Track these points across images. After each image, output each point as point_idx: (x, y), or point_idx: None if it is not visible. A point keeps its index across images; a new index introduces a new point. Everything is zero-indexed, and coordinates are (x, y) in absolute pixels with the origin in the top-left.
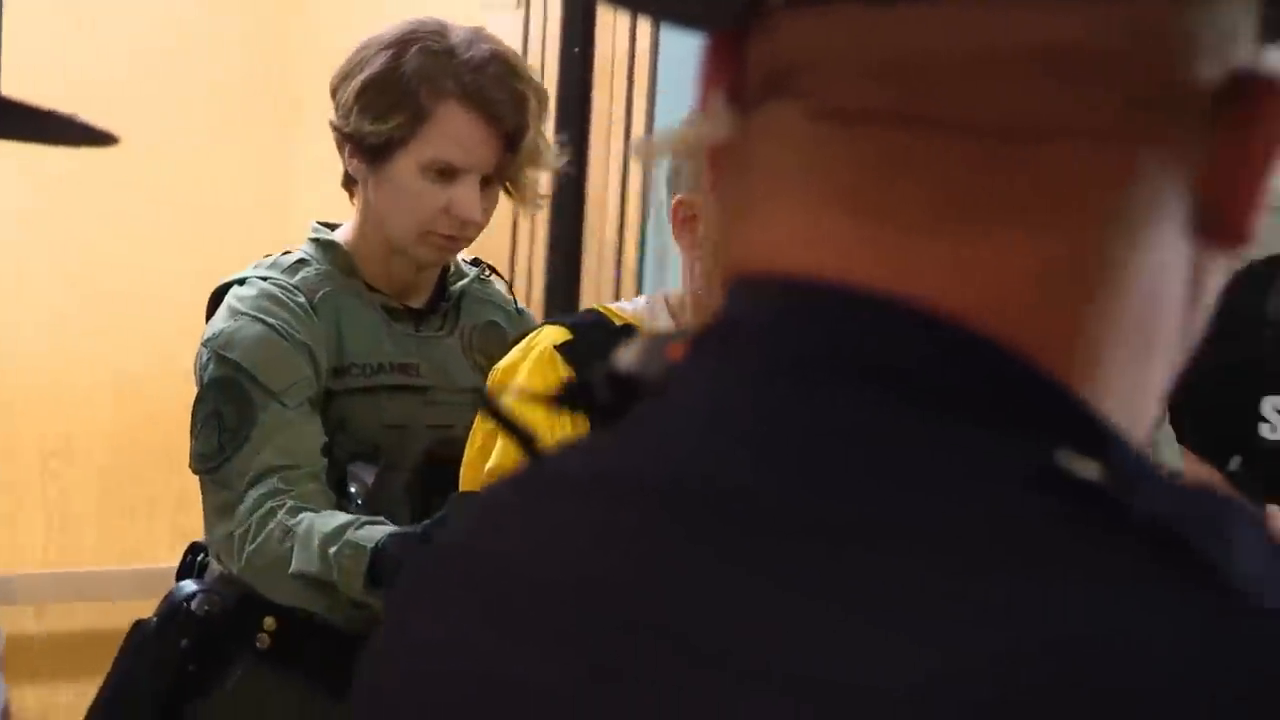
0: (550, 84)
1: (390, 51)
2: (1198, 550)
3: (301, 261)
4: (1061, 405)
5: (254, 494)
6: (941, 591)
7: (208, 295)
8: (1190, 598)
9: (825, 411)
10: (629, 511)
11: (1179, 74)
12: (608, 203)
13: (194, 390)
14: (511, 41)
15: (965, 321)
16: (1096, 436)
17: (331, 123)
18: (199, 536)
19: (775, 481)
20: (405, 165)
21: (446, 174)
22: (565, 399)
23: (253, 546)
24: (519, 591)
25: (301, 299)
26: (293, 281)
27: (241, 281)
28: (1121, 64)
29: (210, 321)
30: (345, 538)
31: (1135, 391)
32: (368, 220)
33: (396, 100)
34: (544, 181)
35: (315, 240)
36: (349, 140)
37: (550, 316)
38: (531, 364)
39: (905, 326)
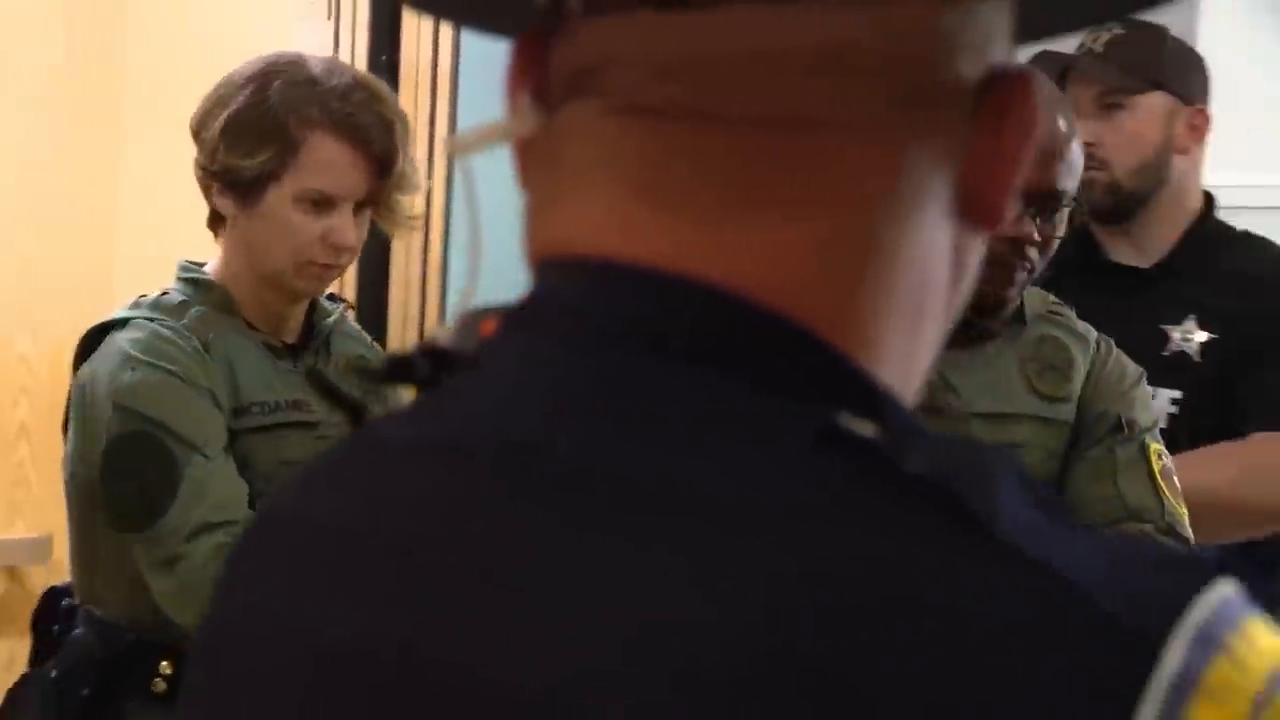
0: None
1: (252, 86)
2: (965, 502)
3: (184, 303)
4: (841, 372)
5: (202, 547)
6: (736, 538)
7: (32, 287)
8: (957, 545)
9: (624, 380)
10: (447, 472)
11: (941, 73)
12: (415, 202)
13: (28, 372)
14: (323, 51)
15: (752, 298)
16: (873, 400)
17: (197, 162)
18: (33, 510)
19: (583, 443)
20: (278, 198)
21: (320, 204)
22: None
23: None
24: (344, 552)
25: (196, 342)
26: (182, 324)
27: (123, 324)
28: (887, 64)
29: (91, 365)
30: None
31: (906, 360)
32: (239, 256)
33: (265, 134)
34: (416, 204)
35: (190, 280)
36: (216, 179)
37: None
38: None
39: (696, 302)
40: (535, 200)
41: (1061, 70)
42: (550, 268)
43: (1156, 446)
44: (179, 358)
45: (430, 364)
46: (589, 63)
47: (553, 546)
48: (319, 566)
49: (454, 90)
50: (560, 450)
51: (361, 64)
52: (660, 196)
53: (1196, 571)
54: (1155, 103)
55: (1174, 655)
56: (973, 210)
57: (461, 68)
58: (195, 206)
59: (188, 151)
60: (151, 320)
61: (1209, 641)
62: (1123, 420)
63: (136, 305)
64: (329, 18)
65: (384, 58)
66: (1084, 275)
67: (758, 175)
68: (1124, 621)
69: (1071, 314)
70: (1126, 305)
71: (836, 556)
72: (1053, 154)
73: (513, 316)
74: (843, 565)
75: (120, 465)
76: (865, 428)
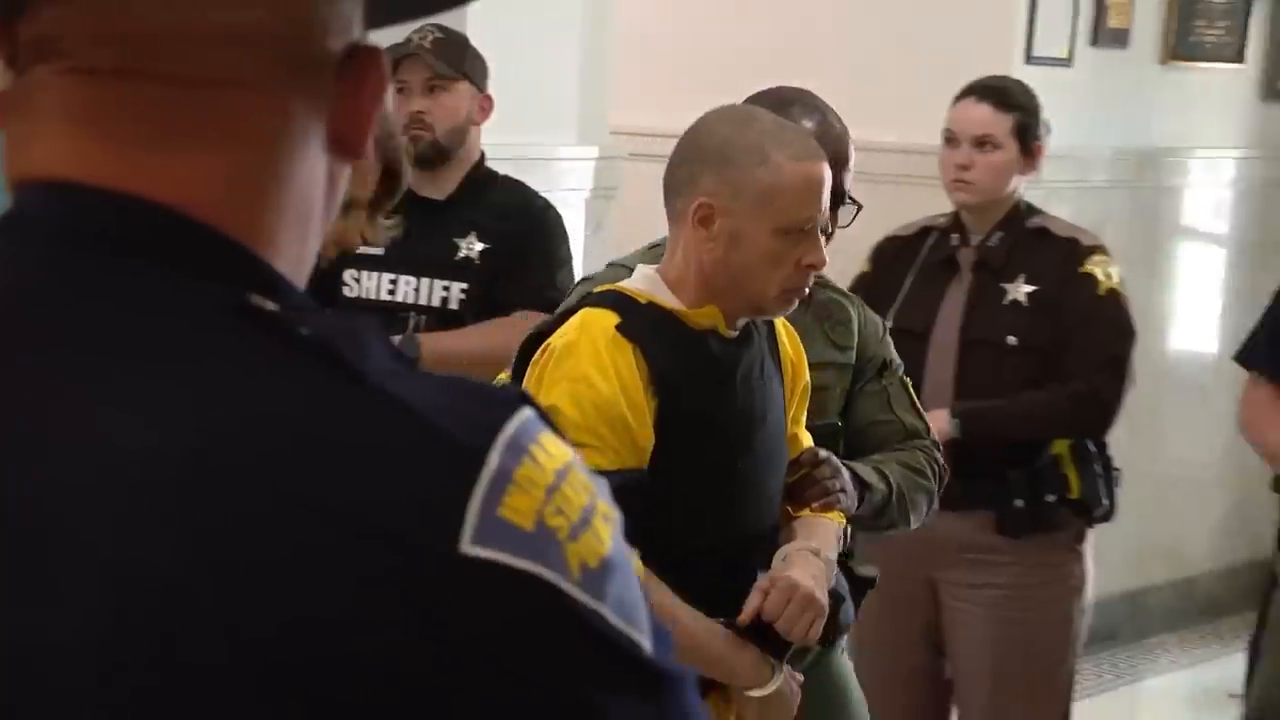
0: None
1: None
2: (342, 355)
3: None
4: (249, 263)
5: None
6: (171, 383)
7: None
8: (336, 386)
9: (76, 271)
10: None
11: (315, 47)
12: None
13: None
14: None
15: (178, 208)
16: (274, 284)
17: None
18: None
19: (44, 320)
20: None
21: None
22: None
23: None
24: None
25: None
26: None
27: None
28: (279, 39)
29: None
30: None
31: (298, 256)
32: None
33: None
34: None
35: None
36: None
37: None
38: (606, 344)
39: (133, 211)
40: (12, 140)
41: (397, 59)
42: (25, 190)
43: (906, 379)
44: None
45: None
46: (48, 35)
47: (26, 394)
48: None
49: None
50: (27, 325)
51: None
52: (107, 135)
53: (508, 402)
54: (463, 88)
55: (493, 460)
56: (340, 147)
57: None
58: None
59: None
60: None
61: (518, 450)
62: (887, 361)
63: None
64: None
65: None
66: (400, 206)
67: (182, 119)
68: (458, 438)
69: (832, 280)
70: (430, 224)
71: (248, 395)
72: (844, 161)
73: None
74: (252, 402)
75: None
76: (268, 304)
